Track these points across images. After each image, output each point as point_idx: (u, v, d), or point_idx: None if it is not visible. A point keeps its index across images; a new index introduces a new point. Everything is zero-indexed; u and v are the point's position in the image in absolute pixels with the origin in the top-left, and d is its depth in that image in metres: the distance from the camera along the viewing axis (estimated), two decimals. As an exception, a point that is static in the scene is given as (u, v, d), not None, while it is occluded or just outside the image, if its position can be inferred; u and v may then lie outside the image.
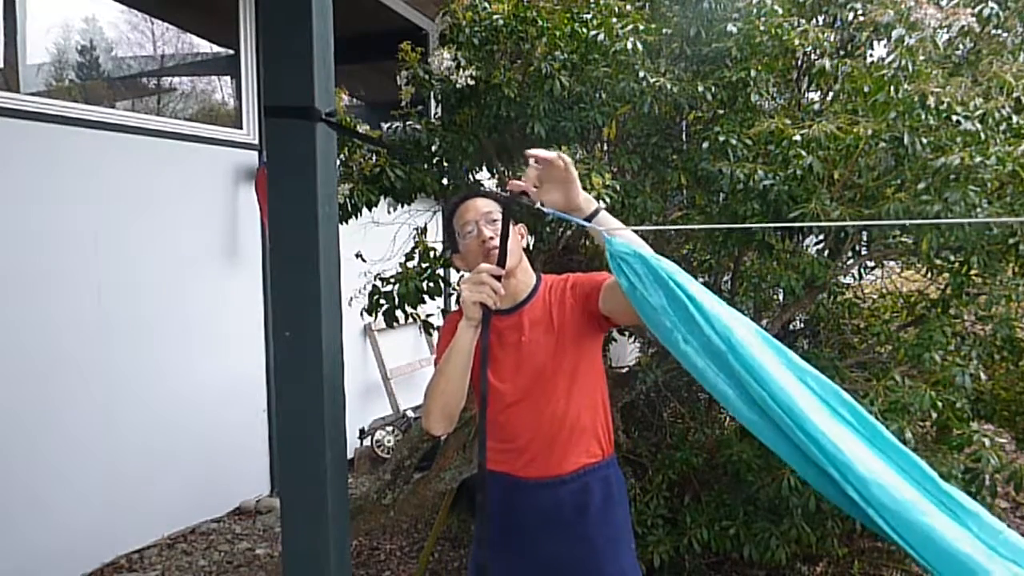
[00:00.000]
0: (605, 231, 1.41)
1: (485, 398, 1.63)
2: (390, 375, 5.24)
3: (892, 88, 2.30)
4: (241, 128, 4.31)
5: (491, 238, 1.67)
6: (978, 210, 2.17)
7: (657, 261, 1.30)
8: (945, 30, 2.62)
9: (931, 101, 2.20)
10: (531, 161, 1.50)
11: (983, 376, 2.55)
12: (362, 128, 2.76)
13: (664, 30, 2.66)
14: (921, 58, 2.41)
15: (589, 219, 1.51)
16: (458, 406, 1.69)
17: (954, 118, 2.23)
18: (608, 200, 2.25)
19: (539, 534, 1.79)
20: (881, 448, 1.16)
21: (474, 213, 1.73)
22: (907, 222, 2.29)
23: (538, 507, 1.77)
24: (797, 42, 2.49)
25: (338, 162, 2.76)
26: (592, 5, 2.64)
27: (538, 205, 1.51)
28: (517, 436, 1.77)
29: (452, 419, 1.70)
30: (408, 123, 2.89)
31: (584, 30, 2.57)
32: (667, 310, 1.27)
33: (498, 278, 1.56)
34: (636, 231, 1.49)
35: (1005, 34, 2.84)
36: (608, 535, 1.79)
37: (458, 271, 1.96)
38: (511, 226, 1.58)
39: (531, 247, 2.75)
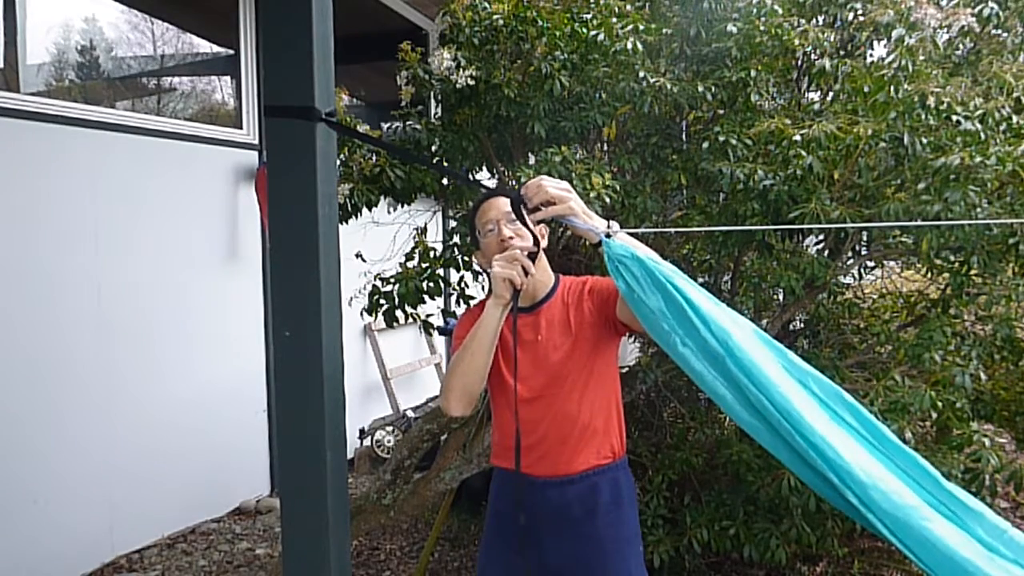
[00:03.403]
0: (602, 233, 1.41)
1: (515, 385, 1.66)
2: (390, 375, 5.24)
3: (892, 88, 2.30)
4: (241, 128, 4.31)
5: (510, 237, 1.69)
6: (978, 210, 2.17)
7: (655, 264, 1.30)
8: (945, 30, 2.62)
9: (931, 101, 2.20)
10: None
11: (983, 376, 2.55)
12: (362, 128, 2.76)
13: (664, 30, 2.66)
14: (921, 58, 2.40)
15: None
16: (479, 387, 1.69)
17: (954, 118, 2.23)
18: (608, 200, 2.25)
19: (546, 532, 1.79)
20: (882, 450, 1.16)
21: (496, 212, 1.74)
22: (907, 224, 2.29)
23: (546, 505, 1.78)
24: (797, 42, 2.49)
25: (338, 162, 2.76)
26: (592, 5, 2.64)
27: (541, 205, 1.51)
28: (529, 434, 1.77)
29: (472, 400, 1.70)
30: (408, 123, 2.89)
31: (584, 30, 2.56)
32: (665, 313, 1.26)
33: (532, 257, 1.57)
34: (636, 232, 1.49)
35: (1005, 34, 2.84)
36: (616, 536, 1.80)
37: (481, 268, 1.97)
38: (533, 224, 1.60)
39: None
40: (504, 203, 1.73)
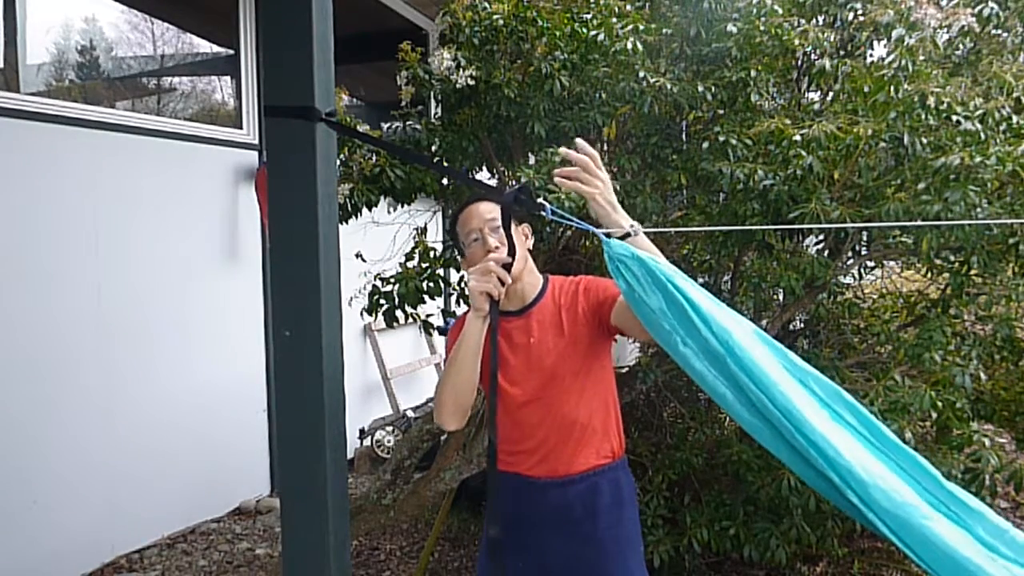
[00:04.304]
0: (603, 233, 1.41)
1: (494, 392, 1.64)
2: (390, 375, 5.24)
3: (892, 88, 2.30)
4: (241, 128, 4.31)
5: (496, 247, 1.66)
6: (978, 210, 2.17)
7: (655, 263, 1.29)
8: (945, 30, 2.62)
9: (931, 101, 2.20)
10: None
11: (983, 376, 2.55)
12: (362, 128, 2.76)
13: (664, 30, 2.66)
14: (921, 58, 2.41)
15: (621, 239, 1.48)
16: (470, 399, 1.69)
17: (954, 118, 2.23)
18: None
19: (547, 534, 1.79)
20: (883, 449, 1.16)
21: (478, 220, 1.72)
22: (907, 224, 2.29)
23: (547, 506, 1.78)
24: (797, 42, 2.50)
25: (338, 162, 2.76)
26: (592, 5, 2.65)
27: (540, 200, 1.51)
28: (528, 437, 1.77)
29: (465, 413, 1.71)
30: (408, 123, 2.89)
31: (584, 30, 2.57)
32: (665, 313, 1.26)
33: (507, 268, 1.56)
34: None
35: (1005, 34, 2.84)
36: (616, 536, 1.79)
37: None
38: (516, 226, 1.58)
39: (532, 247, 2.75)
40: (485, 210, 1.72)
